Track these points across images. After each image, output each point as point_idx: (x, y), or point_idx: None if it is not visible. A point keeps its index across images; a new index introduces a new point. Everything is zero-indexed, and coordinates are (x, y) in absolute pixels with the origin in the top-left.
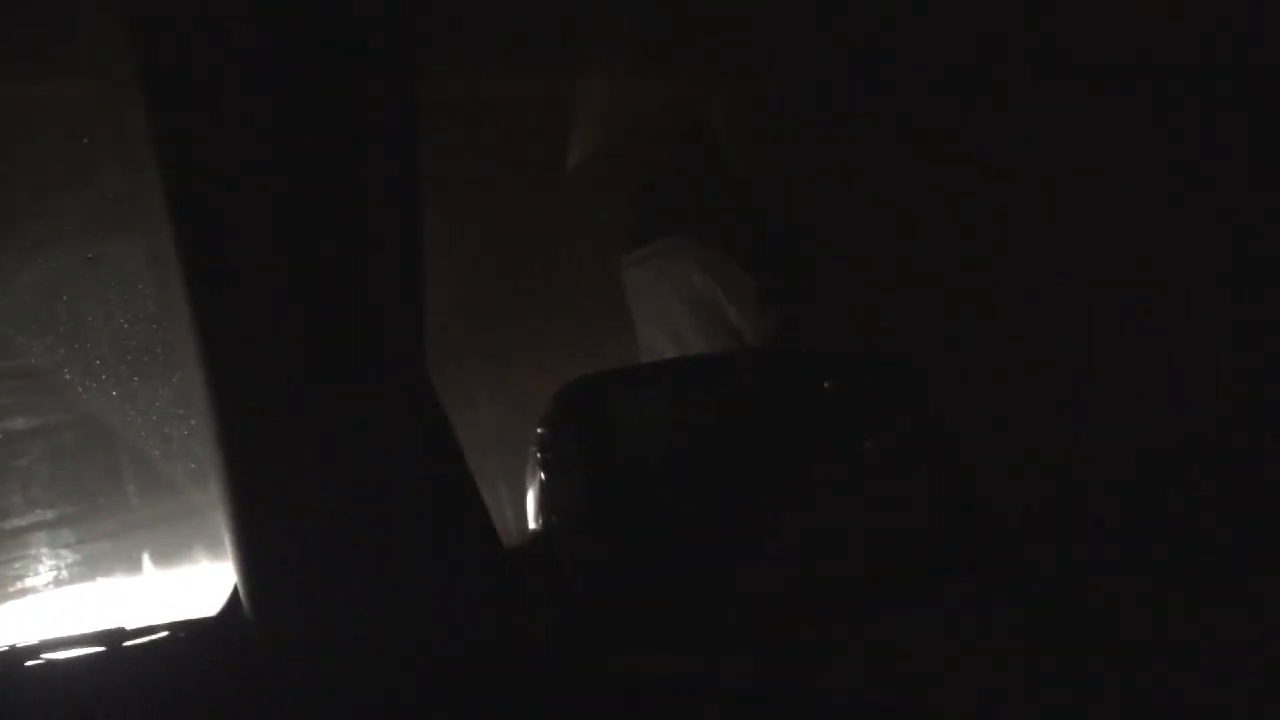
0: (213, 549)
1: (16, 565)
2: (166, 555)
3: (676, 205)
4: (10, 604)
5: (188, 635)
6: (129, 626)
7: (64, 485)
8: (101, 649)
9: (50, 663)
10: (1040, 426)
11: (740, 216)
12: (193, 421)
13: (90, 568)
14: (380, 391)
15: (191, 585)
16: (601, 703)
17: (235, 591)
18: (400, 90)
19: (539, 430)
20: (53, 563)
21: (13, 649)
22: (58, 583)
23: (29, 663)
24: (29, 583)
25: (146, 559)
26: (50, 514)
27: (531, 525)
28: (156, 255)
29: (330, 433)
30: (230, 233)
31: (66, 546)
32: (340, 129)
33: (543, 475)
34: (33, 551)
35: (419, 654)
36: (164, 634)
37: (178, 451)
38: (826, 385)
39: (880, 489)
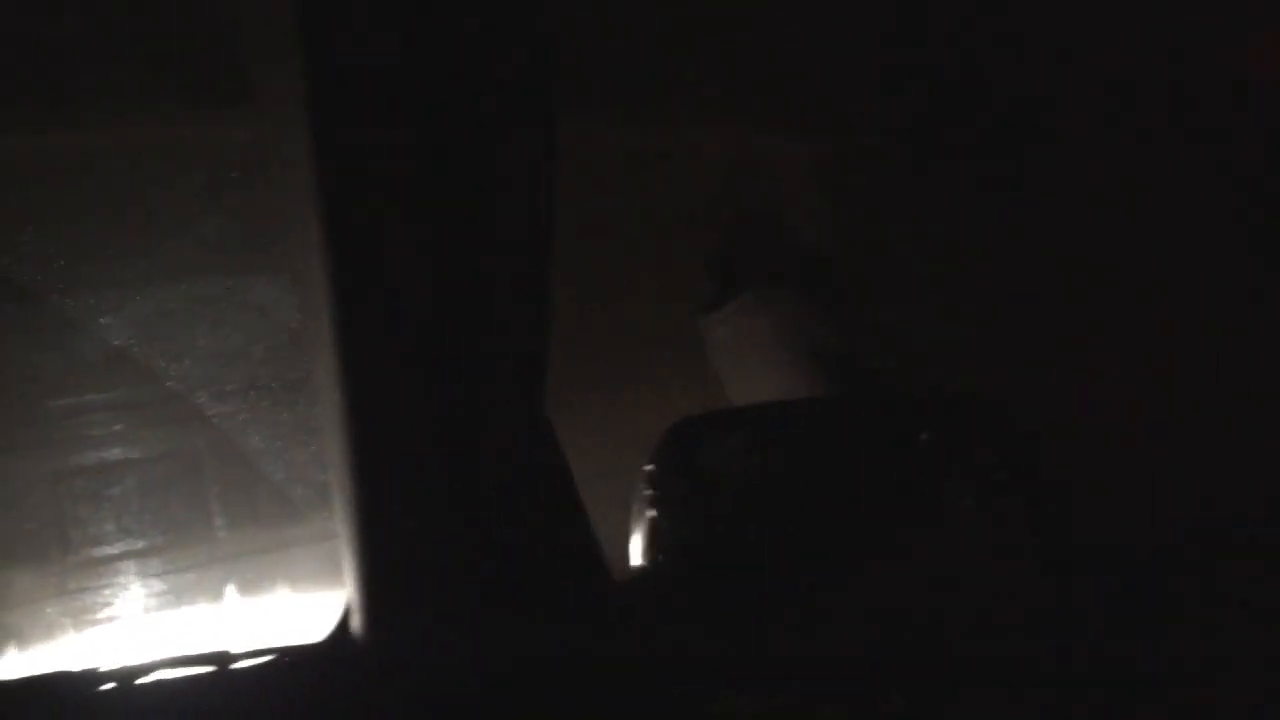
0: (295, 583)
1: (106, 592)
2: (250, 587)
3: (749, 263)
4: (100, 629)
5: (294, 659)
6: (236, 649)
7: (154, 516)
8: (210, 669)
9: (162, 681)
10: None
11: (811, 269)
12: (312, 448)
13: (176, 597)
14: (505, 428)
15: (273, 617)
16: None
17: (343, 618)
18: (540, 137)
19: (648, 467)
20: (141, 590)
21: (127, 667)
22: (146, 610)
23: (141, 680)
24: (118, 610)
25: (231, 590)
26: (140, 544)
27: (636, 559)
28: (295, 290)
29: (456, 466)
30: (375, 271)
31: (155, 575)
32: (483, 172)
33: (651, 512)
34: (122, 579)
35: (531, 683)
36: (271, 657)
37: (296, 476)
38: (923, 434)
39: (973, 533)
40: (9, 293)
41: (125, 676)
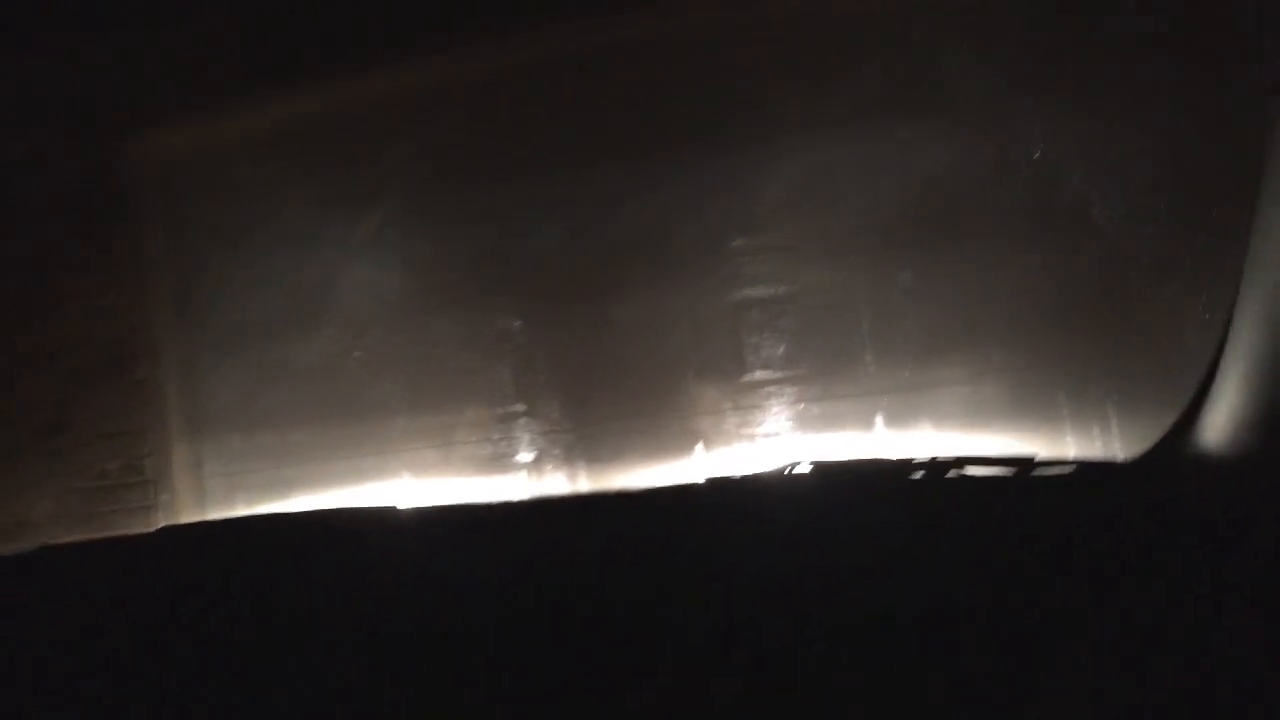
0: (938, 421)
1: (774, 409)
2: (895, 420)
3: None
4: (755, 444)
5: (1095, 473)
6: (1039, 458)
7: (814, 347)
8: (1012, 470)
9: (966, 476)
10: None
11: None
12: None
13: (828, 421)
14: None
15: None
16: None
17: (1164, 440)
18: None
19: None
20: (799, 410)
21: (934, 460)
22: (804, 429)
23: (950, 474)
24: (780, 425)
25: (879, 420)
26: (802, 370)
27: None
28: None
29: None
30: None
31: (812, 400)
32: None
33: None
34: (784, 401)
35: None
36: (1072, 468)
37: (942, 321)
38: None
39: None
40: (693, 146)
41: (935, 468)
